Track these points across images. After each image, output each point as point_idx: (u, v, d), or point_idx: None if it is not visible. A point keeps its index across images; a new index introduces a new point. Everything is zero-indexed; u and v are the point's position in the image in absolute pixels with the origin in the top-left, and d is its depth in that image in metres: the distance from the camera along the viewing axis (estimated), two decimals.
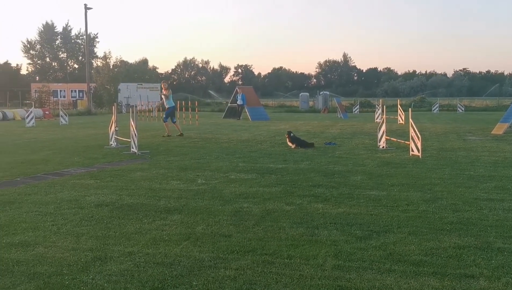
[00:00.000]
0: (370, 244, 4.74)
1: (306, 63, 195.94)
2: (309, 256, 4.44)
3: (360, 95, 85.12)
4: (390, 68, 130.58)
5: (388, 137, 13.22)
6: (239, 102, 29.37)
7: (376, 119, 26.29)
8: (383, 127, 13.01)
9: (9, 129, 20.70)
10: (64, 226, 5.44)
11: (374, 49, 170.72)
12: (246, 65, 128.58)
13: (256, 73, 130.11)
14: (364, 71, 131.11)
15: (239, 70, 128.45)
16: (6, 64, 77.27)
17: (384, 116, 13.28)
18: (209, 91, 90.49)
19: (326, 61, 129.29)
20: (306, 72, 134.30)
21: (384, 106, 15.04)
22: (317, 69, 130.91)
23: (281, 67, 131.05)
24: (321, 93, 49.07)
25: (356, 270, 4.08)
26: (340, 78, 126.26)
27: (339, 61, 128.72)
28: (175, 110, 18.92)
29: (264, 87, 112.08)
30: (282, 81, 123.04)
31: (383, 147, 12.89)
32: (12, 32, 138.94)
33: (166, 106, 17.32)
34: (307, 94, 52.04)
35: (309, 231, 5.22)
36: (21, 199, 6.81)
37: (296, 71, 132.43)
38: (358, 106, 42.15)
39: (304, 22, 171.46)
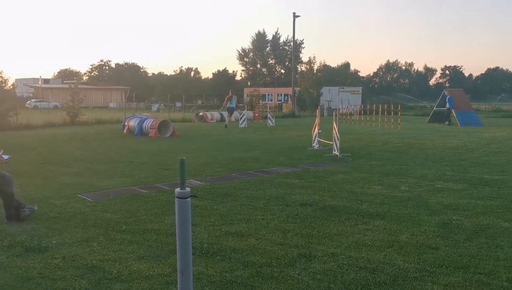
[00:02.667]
0: None
1: None
2: None
3: None
4: None
5: None
6: (447, 105, 27.37)
7: None
8: None
9: (226, 130, 23.18)
10: (272, 221, 5.84)
11: None
12: (455, 66, 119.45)
13: (466, 74, 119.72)
14: None
15: (447, 72, 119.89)
16: (224, 71, 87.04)
17: None
18: (398, 93, 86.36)
19: None
20: None
21: None
22: None
23: (497, 67, 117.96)
24: None
25: None
26: None
27: None
28: (233, 111, 26.44)
29: (476, 90, 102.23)
30: (498, 83, 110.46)
31: None
32: (230, 43, 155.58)
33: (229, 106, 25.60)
34: None
35: None
36: (236, 193, 7.55)
37: None
38: None
39: None
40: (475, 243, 4.92)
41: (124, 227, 5.57)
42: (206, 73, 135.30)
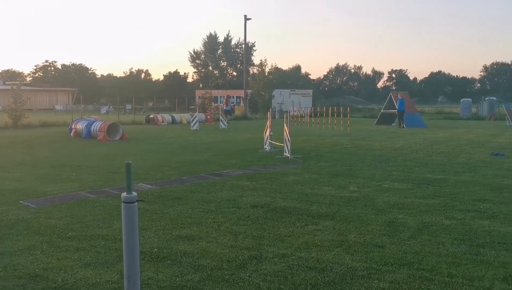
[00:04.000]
0: None
1: (468, 67, 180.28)
2: (473, 277, 4.08)
3: None
4: None
5: None
6: (398, 107, 27.92)
7: None
8: None
9: (177, 132, 22.93)
10: (224, 224, 5.82)
11: None
12: (400, 69, 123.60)
13: (411, 78, 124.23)
14: None
15: (393, 75, 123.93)
16: (176, 72, 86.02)
17: None
18: (347, 96, 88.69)
19: (493, 63, 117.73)
20: (469, 76, 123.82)
21: None
22: (482, 73, 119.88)
23: (439, 71, 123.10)
24: (486, 98, 44.79)
25: None
26: (510, 82, 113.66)
27: (510, 63, 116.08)
28: (229, 112, 32.87)
29: (421, 93, 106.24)
30: (441, 86, 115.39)
31: None
32: (181, 44, 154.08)
33: (224, 108, 31.67)
34: (470, 100, 47.94)
35: (472, 249, 4.80)
36: (187, 196, 7.48)
37: (457, 75, 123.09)
38: None
39: (467, 21, 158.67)
40: (419, 241, 5.11)
41: (70, 233, 5.39)
42: (157, 75, 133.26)
